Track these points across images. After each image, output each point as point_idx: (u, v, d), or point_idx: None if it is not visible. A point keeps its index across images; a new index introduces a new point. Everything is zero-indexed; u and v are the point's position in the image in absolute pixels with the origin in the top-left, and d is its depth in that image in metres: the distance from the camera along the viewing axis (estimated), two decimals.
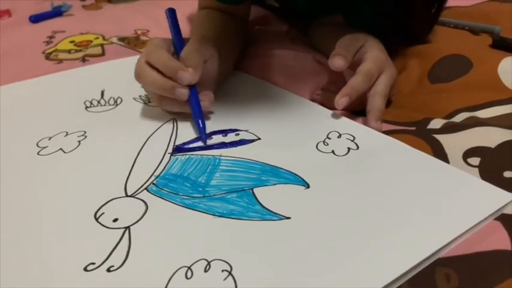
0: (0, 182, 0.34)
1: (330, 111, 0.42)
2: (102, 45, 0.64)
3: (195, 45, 0.40)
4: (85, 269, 0.26)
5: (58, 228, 0.30)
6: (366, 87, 0.40)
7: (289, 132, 0.38)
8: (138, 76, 0.39)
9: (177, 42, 0.40)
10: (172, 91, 0.38)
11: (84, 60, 0.59)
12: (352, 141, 0.37)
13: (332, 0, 0.51)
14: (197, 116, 0.38)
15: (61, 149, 0.37)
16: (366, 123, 0.39)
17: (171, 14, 0.41)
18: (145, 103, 0.45)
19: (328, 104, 0.43)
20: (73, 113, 0.43)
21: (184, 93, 0.38)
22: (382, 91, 0.40)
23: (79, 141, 0.38)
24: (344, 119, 0.40)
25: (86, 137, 0.39)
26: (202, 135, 0.38)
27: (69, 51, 0.62)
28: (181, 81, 0.37)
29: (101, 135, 0.39)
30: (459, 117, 0.39)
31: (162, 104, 0.40)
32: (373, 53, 0.41)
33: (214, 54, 0.41)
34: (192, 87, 0.39)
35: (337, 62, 0.40)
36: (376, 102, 0.39)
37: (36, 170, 0.35)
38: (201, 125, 0.38)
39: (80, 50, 0.62)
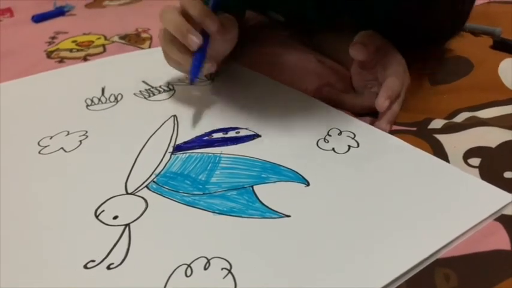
0: (1, 179, 0.34)
1: (331, 108, 0.41)
2: (103, 45, 0.64)
3: (232, 17, 0.39)
4: (85, 267, 0.27)
5: (58, 226, 0.30)
6: (401, 89, 0.39)
7: (289, 129, 0.38)
8: (161, 14, 0.38)
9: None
10: (186, 35, 0.37)
11: (85, 59, 0.59)
12: (353, 138, 0.37)
13: (343, 5, 0.49)
14: (198, 57, 0.38)
15: (62, 148, 0.38)
16: (373, 123, 0.39)
17: None
18: (145, 98, 0.46)
19: (334, 101, 0.42)
20: (74, 112, 0.43)
21: (195, 41, 0.37)
22: (400, 95, 0.39)
23: (80, 141, 0.38)
24: (344, 116, 0.40)
25: (87, 136, 0.39)
26: (193, 71, 0.37)
27: (70, 50, 0.62)
28: (206, 27, 0.37)
29: (102, 135, 0.39)
30: (460, 117, 0.39)
31: (168, 49, 0.40)
32: (396, 55, 0.40)
33: (236, 37, 0.41)
34: (205, 40, 0.38)
35: (360, 51, 0.38)
36: (392, 81, 0.38)
37: (37, 168, 0.35)
38: (195, 62, 0.38)
39: (82, 50, 0.62)
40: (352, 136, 0.37)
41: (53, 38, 0.66)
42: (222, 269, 0.26)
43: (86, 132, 0.39)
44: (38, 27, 0.69)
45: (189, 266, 0.26)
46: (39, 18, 0.72)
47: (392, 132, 0.39)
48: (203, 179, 0.33)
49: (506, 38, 0.46)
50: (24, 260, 0.27)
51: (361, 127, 0.38)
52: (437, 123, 0.39)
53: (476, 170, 0.33)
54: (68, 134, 0.39)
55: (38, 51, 0.61)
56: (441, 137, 0.37)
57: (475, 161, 0.33)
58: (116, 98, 0.46)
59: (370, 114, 0.41)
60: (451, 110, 0.40)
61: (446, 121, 0.39)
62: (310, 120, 0.40)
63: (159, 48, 0.43)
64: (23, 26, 0.70)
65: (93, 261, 0.27)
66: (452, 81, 0.43)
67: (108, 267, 0.26)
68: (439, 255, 0.27)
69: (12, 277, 0.26)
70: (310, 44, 0.56)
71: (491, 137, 0.35)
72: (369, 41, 0.40)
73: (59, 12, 0.76)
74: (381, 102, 0.37)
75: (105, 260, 0.27)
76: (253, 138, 0.37)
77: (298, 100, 0.43)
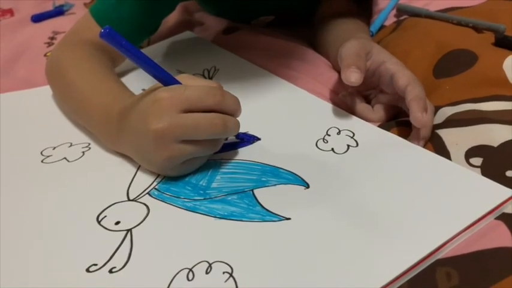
0: (4, 185, 0.35)
1: (329, 105, 0.41)
2: None
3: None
4: (87, 270, 0.27)
5: (61, 231, 0.30)
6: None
7: (288, 130, 0.38)
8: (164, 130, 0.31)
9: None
10: (227, 126, 0.33)
11: None
12: (352, 137, 0.37)
13: None
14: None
15: (65, 158, 0.38)
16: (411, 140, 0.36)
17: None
18: None
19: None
20: (77, 125, 0.42)
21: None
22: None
23: (83, 152, 0.38)
24: (343, 113, 0.40)
25: (90, 148, 0.39)
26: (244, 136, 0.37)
27: None
28: (237, 114, 0.34)
29: (105, 147, 0.39)
30: (462, 107, 0.38)
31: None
32: (392, 60, 0.38)
33: None
34: None
35: (354, 76, 0.35)
36: (416, 89, 0.35)
37: (40, 175, 0.36)
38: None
39: None
40: (351, 135, 0.37)
41: (52, 38, 0.66)
42: (223, 272, 0.26)
43: (89, 144, 0.39)
44: (37, 28, 0.69)
45: (190, 270, 0.26)
46: (38, 18, 0.72)
47: (395, 125, 0.38)
48: (204, 184, 0.33)
49: (509, 35, 0.45)
50: (27, 264, 0.28)
51: (359, 125, 0.38)
52: (440, 116, 0.39)
53: (478, 170, 0.32)
54: (70, 145, 0.39)
55: (38, 54, 0.60)
56: (443, 133, 0.36)
57: (477, 161, 0.33)
58: None
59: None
60: (453, 100, 0.40)
61: (449, 112, 0.38)
62: (309, 119, 0.40)
63: None
64: (23, 27, 0.70)
65: (95, 265, 0.27)
66: (456, 74, 0.43)
67: (110, 271, 0.27)
68: (440, 255, 0.27)
69: (16, 280, 0.27)
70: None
71: (494, 135, 0.34)
72: (358, 59, 0.37)
73: (58, 11, 0.76)
74: (420, 118, 0.34)
75: (107, 264, 0.27)
76: (253, 142, 0.37)
77: (296, 97, 0.43)
